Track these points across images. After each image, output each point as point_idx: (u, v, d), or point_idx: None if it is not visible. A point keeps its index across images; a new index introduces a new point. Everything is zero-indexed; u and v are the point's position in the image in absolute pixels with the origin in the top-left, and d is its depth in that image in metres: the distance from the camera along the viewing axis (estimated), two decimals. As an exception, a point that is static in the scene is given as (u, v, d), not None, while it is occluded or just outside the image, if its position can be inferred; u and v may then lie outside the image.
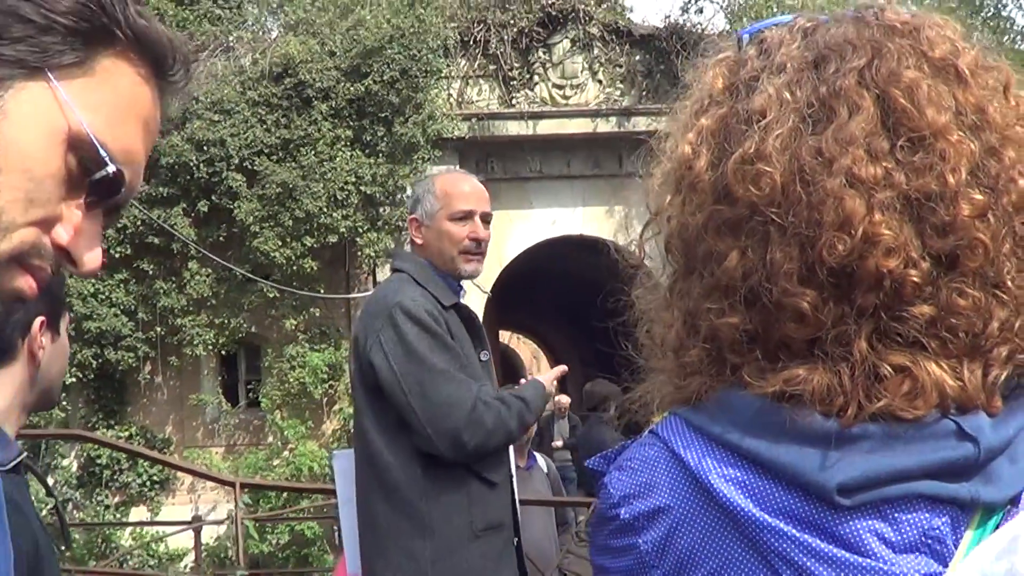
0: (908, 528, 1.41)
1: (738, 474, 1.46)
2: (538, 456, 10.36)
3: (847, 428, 1.42)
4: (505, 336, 46.93)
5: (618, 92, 22.53)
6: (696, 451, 1.51)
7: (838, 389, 1.43)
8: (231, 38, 21.38)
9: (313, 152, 19.77)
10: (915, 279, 1.41)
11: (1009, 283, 1.46)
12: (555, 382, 5.48)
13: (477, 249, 5.17)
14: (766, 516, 1.43)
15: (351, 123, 20.19)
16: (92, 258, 1.36)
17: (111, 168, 1.29)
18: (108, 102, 1.30)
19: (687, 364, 1.60)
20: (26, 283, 1.29)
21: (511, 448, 5.19)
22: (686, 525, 1.49)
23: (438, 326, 4.87)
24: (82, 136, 1.26)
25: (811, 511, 1.42)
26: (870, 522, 1.40)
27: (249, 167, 19.72)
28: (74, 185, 1.29)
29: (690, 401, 1.58)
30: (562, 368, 5.74)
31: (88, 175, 1.29)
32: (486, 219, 5.23)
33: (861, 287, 1.42)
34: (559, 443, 19.33)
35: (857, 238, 1.40)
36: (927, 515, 1.41)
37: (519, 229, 22.53)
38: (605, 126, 22.29)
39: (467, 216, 5.14)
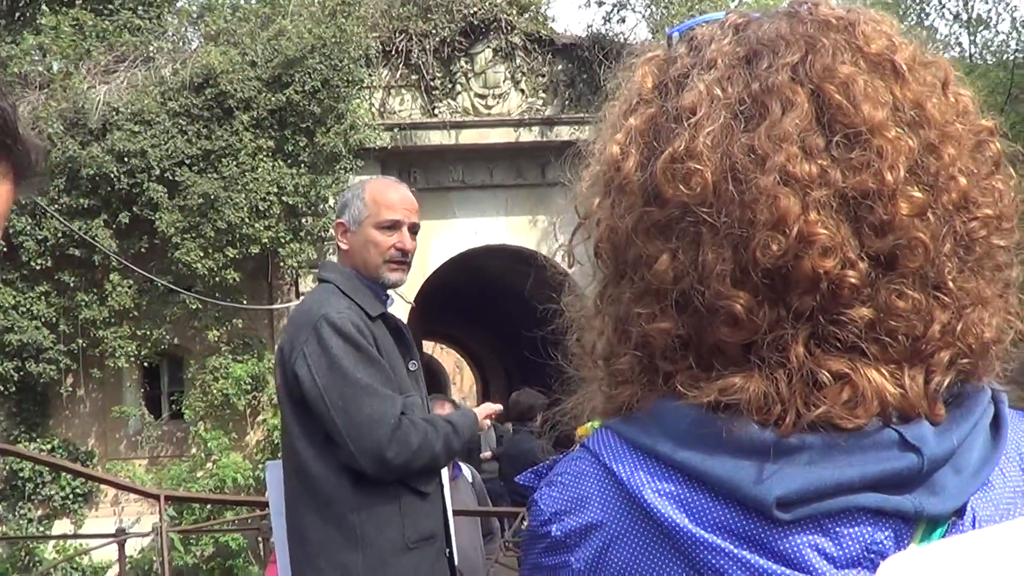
0: (850, 542, 1.36)
1: (672, 488, 1.41)
2: (463, 466, 10.35)
3: (785, 438, 1.37)
4: (429, 346, 46.77)
5: (540, 101, 22.56)
6: (628, 464, 1.45)
7: (775, 397, 1.38)
8: (151, 48, 21.24)
9: (235, 163, 19.65)
10: (853, 280, 1.36)
11: (950, 284, 1.42)
12: (487, 419, 5.51)
13: (402, 259, 5.14)
14: (702, 532, 1.37)
15: (273, 133, 20.09)
16: None
17: None
18: None
19: (618, 372, 1.55)
20: None
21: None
22: (619, 542, 1.44)
23: (364, 339, 4.83)
24: None
25: (749, 526, 1.36)
26: (810, 537, 1.36)
27: (170, 178, 19.55)
28: None
29: (621, 411, 1.53)
30: (497, 407, 5.74)
31: None
32: (413, 230, 5.21)
33: (797, 289, 1.37)
34: (487, 454, 19.21)
35: (792, 238, 1.36)
36: (869, 529, 1.37)
37: (442, 239, 22.48)
38: (528, 135, 22.29)
39: (394, 226, 5.12)
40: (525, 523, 10.62)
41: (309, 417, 4.86)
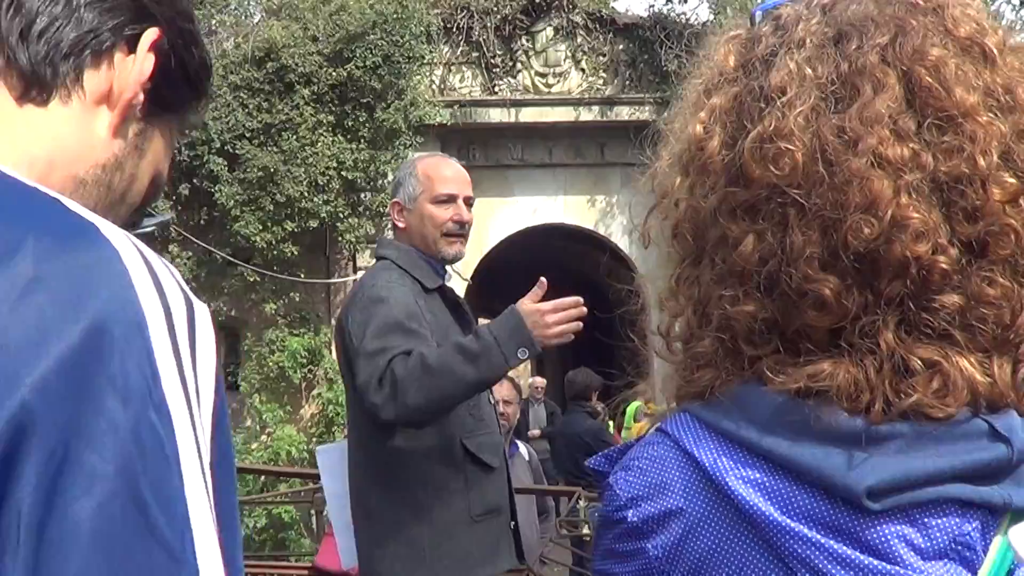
0: (938, 534, 1.34)
1: (757, 475, 1.38)
2: (520, 444, 10.36)
3: (875, 426, 1.35)
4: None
5: (601, 81, 22.46)
6: (711, 450, 1.43)
7: (864, 384, 1.36)
8: (213, 22, 21.24)
9: (295, 137, 19.65)
10: (944, 266, 1.34)
11: None
12: (537, 302, 4.69)
13: (460, 231, 5.15)
14: (788, 520, 1.35)
15: (333, 108, 20.07)
16: None
17: None
18: None
19: (698, 355, 1.52)
20: None
21: (502, 431, 5.15)
22: (700, 529, 1.41)
23: (397, 307, 4.77)
24: None
25: (836, 515, 1.34)
26: (899, 527, 1.33)
27: (231, 151, 19.59)
28: None
29: (701, 396, 1.49)
30: (540, 283, 4.81)
31: None
32: (468, 202, 5.20)
33: (887, 274, 1.35)
34: (536, 432, 19.16)
35: (885, 221, 1.33)
36: (957, 520, 1.34)
37: (500, 217, 22.46)
38: (587, 115, 22.22)
39: (449, 199, 5.11)
40: (582, 503, 10.64)
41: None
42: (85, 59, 1.35)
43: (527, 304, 4.65)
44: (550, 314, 4.60)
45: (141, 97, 1.39)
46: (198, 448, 1.09)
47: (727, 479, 1.40)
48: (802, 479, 1.37)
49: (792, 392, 1.39)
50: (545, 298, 4.64)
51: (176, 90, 1.50)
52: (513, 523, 5.08)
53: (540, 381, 21.12)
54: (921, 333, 1.37)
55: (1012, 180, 1.37)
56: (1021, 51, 1.48)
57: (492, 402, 5.15)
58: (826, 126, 1.39)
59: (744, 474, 1.39)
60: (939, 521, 1.34)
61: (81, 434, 0.98)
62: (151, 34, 1.40)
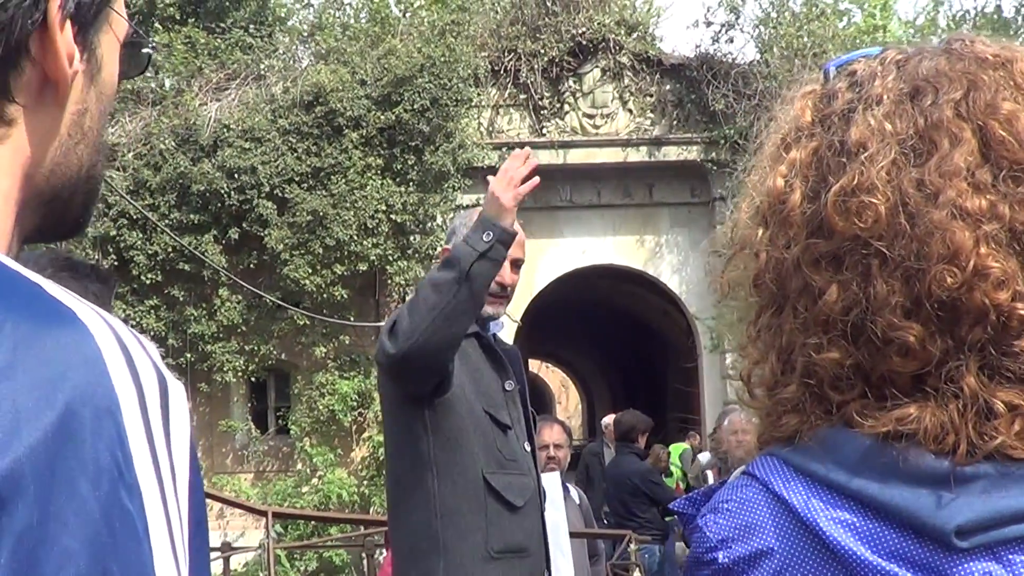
0: (1022, 570, 1.38)
1: (847, 516, 1.43)
2: (571, 487, 10.33)
3: (961, 467, 1.39)
4: (535, 365, 46.89)
5: (648, 121, 22.56)
6: (800, 492, 1.47)
7: (950, 427, 1.40)
8: (262, 66, 21.45)
9: (344, 180, 19.81)
10: (1022, 312, 1.39)
11: None
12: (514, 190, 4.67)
13: (501, 293, 5.10)
14: (879, 559, 1.39)
15: (382, 151, 20.23)
16: None
17: None
18: None
19: (784, 401, 1.56)
20: None
21: (534, 474, 5.14)
22: (791, 568, 1.46)
23: None
24: None
25: (925, 554, 1.39)
26: (985, 564, 1.37)
27: (280, 195, 19.78)
28: None
29: (787, 440, 1.55)
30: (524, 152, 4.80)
31: None
32: (516, 264, 5.16)
33: (968, 320, 1.40)
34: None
35: (967, 271, 1.38)
36: None
37: (549, 258, 22.56)
38: (635, 155, 22.35)
39: None
40: (632, 546, 10.68)
41: (395, 426, 4.99)
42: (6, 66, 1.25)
43: (490, 185, 4.70)
44: (500, 185, 4.65)
45: (78, 60, 1.28)
46: (169, 525, 1.12)
47: (819, 520, 1.44)
48: (891, 519, 1.41)
49: (880, 436, 1.44)
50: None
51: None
52: (546, 571, 5.07)
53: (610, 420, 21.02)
54: (1002, 377, 1.41)
55: None
56: None
57: (528, 448, 5.11)
58: (907, 180, 1.44)
59: (835, 515, 1.44)
60: (1023, 558, 1.38)
61: (53, 516, 1.01)
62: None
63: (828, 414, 1.50)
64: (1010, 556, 1.38)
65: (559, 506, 5.24)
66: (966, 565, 1.37)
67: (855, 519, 1.42)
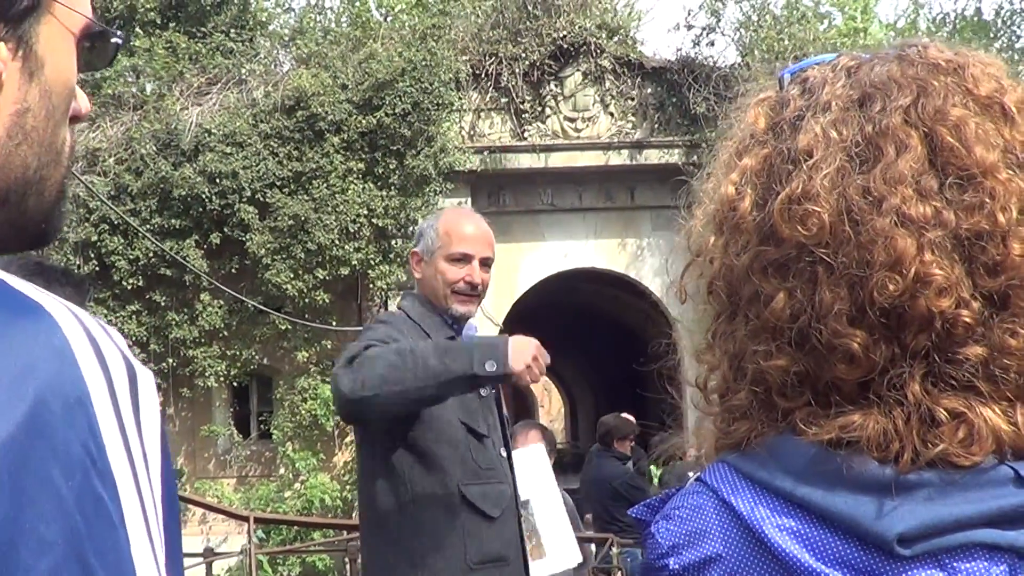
0: None
1: (793, 523, 1.44)
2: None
3: (904, 475, 1.40)
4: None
5: (630, 125, 22.53)
6: (748, 499, 1.49)
7: (893, 435, 1.42)
8: (243, 71, 21.40)
9: (325, 184, 19.78)
10: (967, 319, 1.40)
11: None
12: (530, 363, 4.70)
13: (471, 292, 5.16)
14: (823, 566, 1.41)
15: (363, 156, 20.20)
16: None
17: None
18: None
19: (734, 408, 1.58)
20: None
21: (508, 481, 5.14)
22: (738, 574, 1.47)
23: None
24: None
25: (869, 561, 1.40)
26: (929, 572, 1.39)
27: (261, 199, 19.72)
28: None
29: (738, 447, 1.56)
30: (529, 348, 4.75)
31: None
32: (486, 263, 5.21)
33: (912, 328, 1.41)
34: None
35: (909, 278, 1.39)
36: (985, 564, 1.39)
37: (531, 261, 22.53)
38: (617, 159, 22.31)
39: (464, 259, 5.14)
40: (615, 549, 10.71)
41: (366, 436, 5.03)
42: None
43: (521, 337, 4.75)
44: (535, 351, 4.69)
45: (6, 57, 1.24)
46: (144, 511, 1.13)
47: (764, 527, 1.46)
48: (836, 527, 1.42)
49: (824, 443, 1.45)
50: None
51: None
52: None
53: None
54: (946, 384, 1.42)
55: None
56: None
57: (505, 454, 5.13)
58: (852, 187, 1.45)
59: (780, 522, 1.45)
60: (968, 565, 1.39)
61: (28, 508, 1.02)
62: None
63: (776, 421, 1.52)
64: (954, 564, 1.39)
65: (548, 476, 5.24)
66: (909, 572, 1.39)
67: (800, 526, 1.44)
